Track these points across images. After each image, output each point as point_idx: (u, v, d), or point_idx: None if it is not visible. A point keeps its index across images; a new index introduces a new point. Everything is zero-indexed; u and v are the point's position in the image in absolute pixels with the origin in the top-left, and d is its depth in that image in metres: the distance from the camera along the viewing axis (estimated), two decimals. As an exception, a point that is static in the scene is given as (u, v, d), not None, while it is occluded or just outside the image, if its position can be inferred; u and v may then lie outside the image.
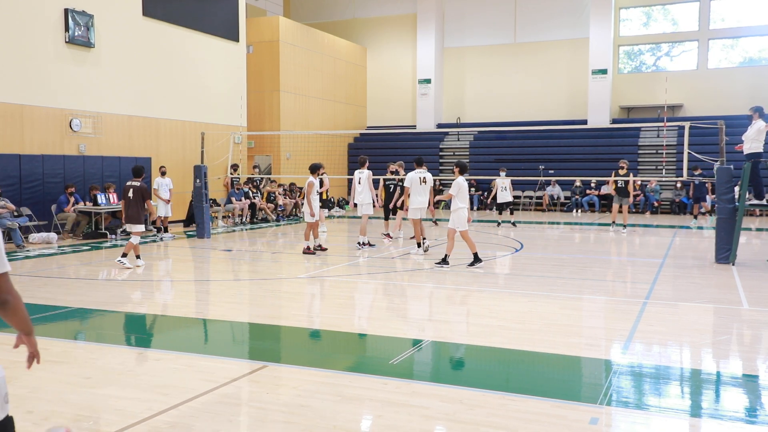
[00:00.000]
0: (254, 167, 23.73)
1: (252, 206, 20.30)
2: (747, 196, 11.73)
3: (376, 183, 14.82)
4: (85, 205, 15.82)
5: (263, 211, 20.96)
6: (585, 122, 27.41)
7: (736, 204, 11.69)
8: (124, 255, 11.25)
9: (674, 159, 24.69)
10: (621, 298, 8.90)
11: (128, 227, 11.52)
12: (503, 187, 18.83)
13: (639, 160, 25.59)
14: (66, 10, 15.98)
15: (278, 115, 25.23)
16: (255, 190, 20.90)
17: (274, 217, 21.09)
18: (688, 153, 14.37)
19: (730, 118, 20.27)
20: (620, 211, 17.55)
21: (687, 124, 14.59)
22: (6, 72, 14.83)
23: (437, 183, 25.31)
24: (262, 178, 22.34)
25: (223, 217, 19.85)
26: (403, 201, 14.42)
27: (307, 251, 12.83)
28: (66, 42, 16.06)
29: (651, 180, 23.63)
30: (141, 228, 11.28)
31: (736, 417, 4.58)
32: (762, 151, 11.64)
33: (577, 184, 25.32)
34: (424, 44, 30.23)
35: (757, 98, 22.98)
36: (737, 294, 8.93)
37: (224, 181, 20.65)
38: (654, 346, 6.40)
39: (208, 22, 20.76)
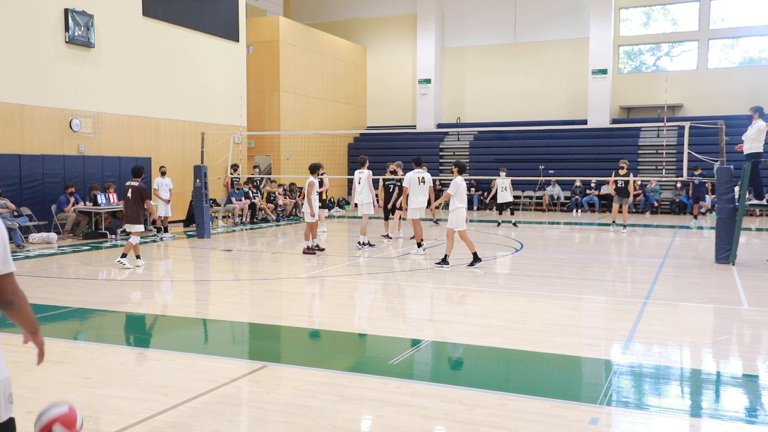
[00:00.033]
0: (254, 167, 23.72)
1: (252, 206, 20.30)
2: (747, 196, 11.74)
3: (375, 183, 14.82)
4: (85, 205, 15.82)
5: (263, 211, 20.96)
6: (585, 122, 27.39)
7: (736, 204, 11.69)
8: (124, 255, 11.26)
9: (674, 159, 24.68)
10: (621, 298, 8.90)
11: (127, 227, 11.52)
12: (503, 187, 18.83)
13: (639, 160, 25.58)
14: (66, 10, 15.98)
15: (278, 115, 25.23)
16: (255, 190, 20.89)
17: (274, 217, 21.09)
18: (688, 153, 14.37)
19: (730, 118, 20.27)
20: (620, 211, 17.55)
21: (687, 124, 14.59)
22: (6, 72, 14.84)
23: (437, 183, 25.31)
24: (262, 178, 22.33)
25: (223, 217, 19.85)
26: (401, 201, 14.42)
27: (307, 251, 12.83)
28: (66, 42, 16.06)
29: (651, 180, 23.62)
30: (140, 228, 11.27)
31: (736, 417, 4.58)
32: (762, 151, 11.64)
33: (577, 184, 25.31)
34: (424, 44, 30.21)
35: (757, 98, 22.97)
36: (737, 294, 8.93)
37: (224, 181, 20.64)
38: (654, 346, 6.40)
39: (208, 22, 20.75)
